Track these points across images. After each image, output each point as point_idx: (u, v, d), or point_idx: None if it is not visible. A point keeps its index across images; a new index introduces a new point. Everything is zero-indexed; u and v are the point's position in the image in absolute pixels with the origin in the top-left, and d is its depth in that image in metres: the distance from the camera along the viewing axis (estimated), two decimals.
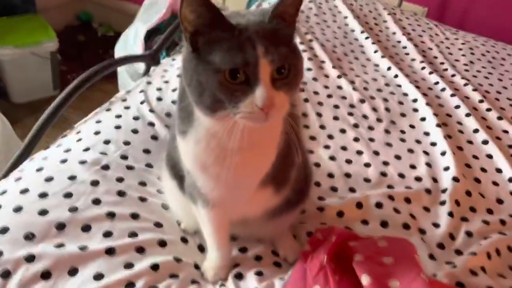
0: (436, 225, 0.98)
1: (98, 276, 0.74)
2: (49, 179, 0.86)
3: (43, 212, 0.81)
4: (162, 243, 0.83)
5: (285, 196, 0.79)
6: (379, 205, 0.99)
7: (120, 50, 2.10)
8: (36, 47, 2.23)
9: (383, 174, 1.09)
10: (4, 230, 0.77)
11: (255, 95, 0.56)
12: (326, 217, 0.97)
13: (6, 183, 0.87)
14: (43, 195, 0.83)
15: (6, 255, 0.74)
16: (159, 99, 1.15)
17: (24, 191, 0.84)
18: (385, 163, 1.12)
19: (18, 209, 0.80)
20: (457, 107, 1.33)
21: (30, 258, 0.74)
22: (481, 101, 1.37)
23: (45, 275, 0.73)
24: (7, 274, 0.72)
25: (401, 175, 1.10)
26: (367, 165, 1.11)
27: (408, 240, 0.83)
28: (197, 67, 0.59)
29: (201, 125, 0.65)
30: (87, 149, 0.95)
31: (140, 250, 0.80)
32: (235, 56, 0.57)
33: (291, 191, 0.80)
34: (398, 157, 1.15)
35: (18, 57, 2.20)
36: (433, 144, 1.19)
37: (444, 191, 1.06)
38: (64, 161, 0.91)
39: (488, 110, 1.34)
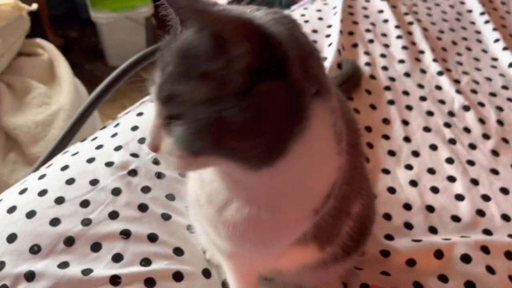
0: None
1: None
2: (70, 182, 0.77)
3: (55, 222, 0.72)
4: (178, 276, 0.69)
5: (331, 253, 0.61)
6: (466, 258, 0.76)
7: None
8: (131, 11, 2.26)
9: (480, 213, 0.84)
10: (12, 238, 0.69)
11: None
12: (391, 264, 0.76)
13: (30, 180, 0.80)
14: (59, 200, 0.74)
15: (8, 268, 0.66)
16: None
17: (43, 192, 0.76)
18: (485, 198, 0.86)
19: (31, 214, 0.72)
20: None
21: (30, 276, 0.66)
22: None
23: None
24: None
25: (506, 217, 0.83)
26: (460, 197, 0.86)
27: None
28: None
29: None
30: (118, 148, 0.84)
31: (150, 282, 0.67)
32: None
33: (341, 248, 0.61)
34: (505, 191, 0.87)
35: (113, 21, 2.25)
36: None
37: None
38: (91, 160, 0.81)
39: None
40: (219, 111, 0.39)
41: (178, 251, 0.73)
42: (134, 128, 0.89)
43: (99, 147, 0.85)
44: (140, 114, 0.93)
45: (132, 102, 0.97)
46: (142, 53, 1.08)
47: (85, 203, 0.75)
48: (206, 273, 0.73)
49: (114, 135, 0.88)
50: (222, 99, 0.39)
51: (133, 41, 2.39)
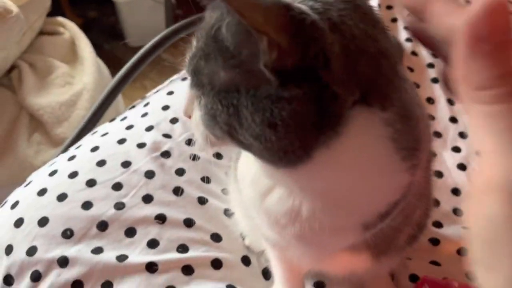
0: None
1: None
2: (101, 163, 0.74)
3: (87, 205, 0.69)
4: (216, 264, 0.66)
5: (386, 262, 0.57)
6: None
7: None
8: None
9: None
10: (44, 222, 0.67)
11: None
12: (440, 253, 0.71)
13: (59, 161, 0.77)
14: (91, 183, 0.71)
15: (40, 253, 0.64)
16: None
17: (73, 174, 0.72)
18: None
19: (62, 197, 0.69)
20: None
21: (64, 262, 0.63)
22: None
23: (77, 285, 0.62)
24: (37, 278, 0.62)
25: None
26: None
27: None
28: None
29: None
30: (150, 128, 0.80)
31: (188, 270, 0.64)
32: None
33: (395, 252, 0.57)
34: None
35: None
36: None
37: None
38: (122, 141, 0.78)
39: None
40: (235, 105, 0.36)
41: (216, 237, 0.69)
42: (165, 108, 0.84)
43: (129, 127, 0.81)
44: (170, 93, 0.88)
45: (152, 82, 0.94)
46: (165, 33, 1.03)
47: (117, 186, 0.71)
48: (246, 261, 0.69)
49: (145, 114, 0.84)
50: (241, 93, 0.36)
51: (153, 20, 2.33)
